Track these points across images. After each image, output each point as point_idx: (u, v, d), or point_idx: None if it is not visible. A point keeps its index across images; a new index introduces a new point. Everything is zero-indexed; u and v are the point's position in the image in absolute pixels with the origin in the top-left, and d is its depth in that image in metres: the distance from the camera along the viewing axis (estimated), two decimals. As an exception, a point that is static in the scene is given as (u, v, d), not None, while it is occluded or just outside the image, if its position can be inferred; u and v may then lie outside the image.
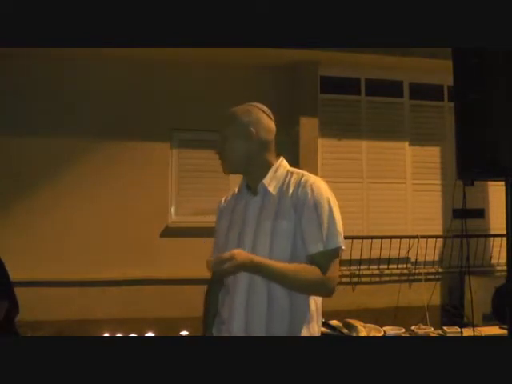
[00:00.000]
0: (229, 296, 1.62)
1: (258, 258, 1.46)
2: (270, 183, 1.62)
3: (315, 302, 1.61)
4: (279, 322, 1.54)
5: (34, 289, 4.52)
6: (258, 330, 1.53)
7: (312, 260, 1.52)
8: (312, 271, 1.50)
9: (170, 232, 5.10)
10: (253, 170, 1.65)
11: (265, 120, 1.66)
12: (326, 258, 1.52)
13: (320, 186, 1.58)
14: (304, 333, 1.56)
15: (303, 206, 1.54)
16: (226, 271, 1.43)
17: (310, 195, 1.55)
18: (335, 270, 1.55)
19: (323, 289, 1.53)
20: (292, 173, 1.65)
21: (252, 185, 1.67)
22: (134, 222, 4.96)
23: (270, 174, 1.64)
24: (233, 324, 1.57)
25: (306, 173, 1.65)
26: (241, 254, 1.43)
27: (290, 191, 1.58)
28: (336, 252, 1.55)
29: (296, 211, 1.55)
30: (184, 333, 3.22)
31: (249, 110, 1.66)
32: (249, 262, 1.44)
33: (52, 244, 4.84)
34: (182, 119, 5.15)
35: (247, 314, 1.55)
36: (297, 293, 1.56)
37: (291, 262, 1.52)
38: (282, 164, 1.68)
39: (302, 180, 1.59)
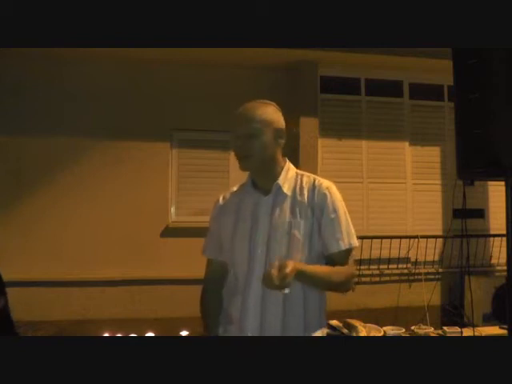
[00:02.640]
0: (239, 296, 1.60)
1: (300, 265, 1.48)
2: (284, 184, 1.64)
3: (323, 294, 1.67)
4: (295, 318, 1.56)
5: (33, 289, 4.53)
6: (274, 329, 1.54)
7: (332, 258, 1.60)
8: (341, 273, 1.59)
9: (169, 232, 5.10)
10: (268, 170, 1.65)
11: (283, 120, 1.69)
12: (345, 257, 1.62)
13: (334, 189, 1.66)
14: (317, 325, 1.62)
15: (323, 207, 1.60)
16: (282, 286, 1.38)
17: (328, 198, 1.61)
18: (354, 267, 1.69)
19: (347, 286, 1.63)
20: (302, 175, 1.68)
21: (262, 184, 1.66)
22: (134, 222, 4.96)
23: (283, 174, 1.66)
24: (245, 323, 1.56)
25: (316, 176, 1.69)
26: (292, 265, 1.40)
27: (305, 193, 1.62)
28: (352, 251, 1.65)
29: (314, 212, 1.60)
30: (184, 333, 3.22)
31: (275, 108, 1.67)
32: (297, 271, 1.43)
33: (52, 244, 4.84)
34: (182, 119, 5.15)
35: (263, 313, 1.55)
36: (310, 288, 1.59)
37: (307, 261, 1.56)
38: (291, 166, 1.71)
39: (317, 183, 1.64)
